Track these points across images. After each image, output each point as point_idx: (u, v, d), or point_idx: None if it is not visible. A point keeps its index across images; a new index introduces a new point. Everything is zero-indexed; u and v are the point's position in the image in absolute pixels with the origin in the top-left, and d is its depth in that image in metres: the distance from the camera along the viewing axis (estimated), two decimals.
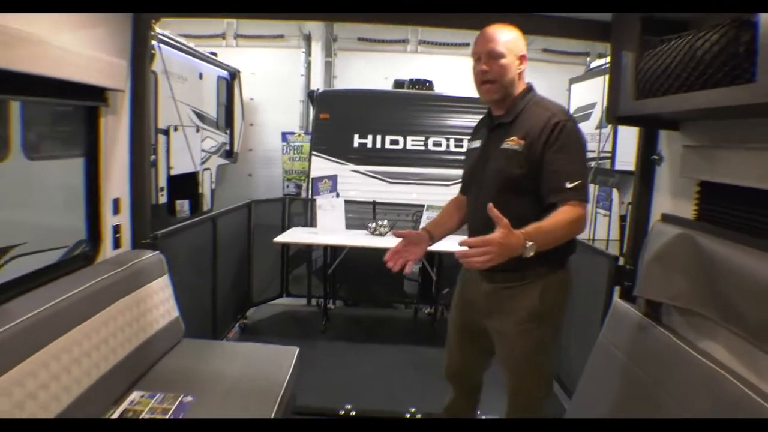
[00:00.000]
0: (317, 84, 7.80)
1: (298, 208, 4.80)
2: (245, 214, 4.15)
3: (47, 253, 3.44)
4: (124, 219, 2.54)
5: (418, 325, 4.72)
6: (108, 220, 2.42)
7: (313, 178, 5.06)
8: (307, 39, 7.98)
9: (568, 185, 1.77)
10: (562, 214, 1.74)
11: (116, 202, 2.47)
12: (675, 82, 1.93)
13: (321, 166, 5.31)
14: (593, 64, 6.37)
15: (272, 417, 2.02)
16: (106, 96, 2.28)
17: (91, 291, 2.00)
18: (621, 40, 2.33)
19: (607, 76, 5.77)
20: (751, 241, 1.73)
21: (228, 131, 8.05)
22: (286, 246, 4.52)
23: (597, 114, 5.74)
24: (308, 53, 7.99)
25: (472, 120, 5.34)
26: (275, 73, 8.58)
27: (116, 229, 2.48)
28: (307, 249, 4.79)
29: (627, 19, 2.26)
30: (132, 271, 2.30)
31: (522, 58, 1.93)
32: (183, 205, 6.43)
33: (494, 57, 1.87)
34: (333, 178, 5.16)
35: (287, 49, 8.34)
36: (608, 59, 2.67)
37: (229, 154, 8.22)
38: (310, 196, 4.99)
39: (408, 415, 2.98)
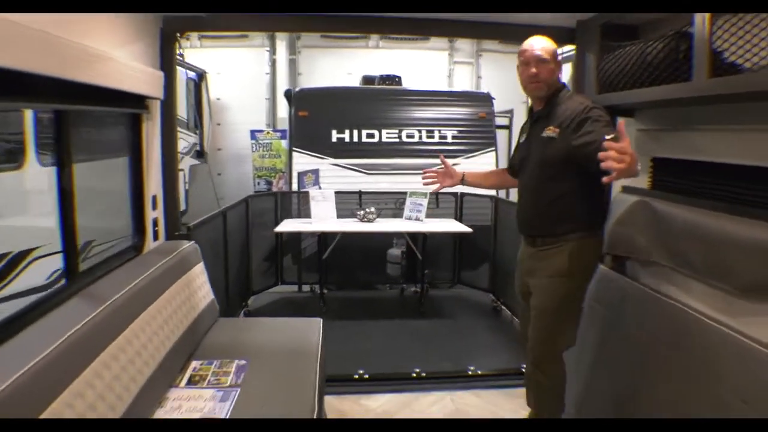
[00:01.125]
0: (282, 82, 8.03)
1: (282, 201, 5.16)
2: (244, 208, 4.48)
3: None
4: (159, 214, 2.86)
5: (406, 302, 5.18)
6: (150, 214, 2.73)
7: (298, 173, 5.39)
8: (272, 38, 8.20)
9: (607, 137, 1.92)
10: None
11: (154, 199, 2.79)
12: (630, 80, 2.41)
13: (302, 161, 5.62)
14: None
15: (317, 375, 2.38)
16: (147, 103, 2.60)
17: (152, 277, 2.30)
18: (584, 44, 2.81)
19: (569, 65, 6.37)
20: (695, 202, 2.22)
21: (198, 132, 8.25)
22: (280, 237, 4.88)
23: None
24: (273, 52, 8.20)
25: (440, 112, 5.85)
26: (241, 73, 8.74)
27: (155, 222, 2.80)
28: (297, 239, 5.15)
29: (589, 26, 2.74)
30: (178, 258, 2.62)
31: (558, 65, 2.38)
32: None
33: (542, 62, 2.31)
34: (315, 172, 5.51)
35: (252, 49, 8.52)
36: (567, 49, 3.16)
37: (200, 154, 8.42)
38: (297, 190, 5.32)
39: (414, 375, 3.40)
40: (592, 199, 2.34)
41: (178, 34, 2.79)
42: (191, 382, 2.28)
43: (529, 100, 2.57)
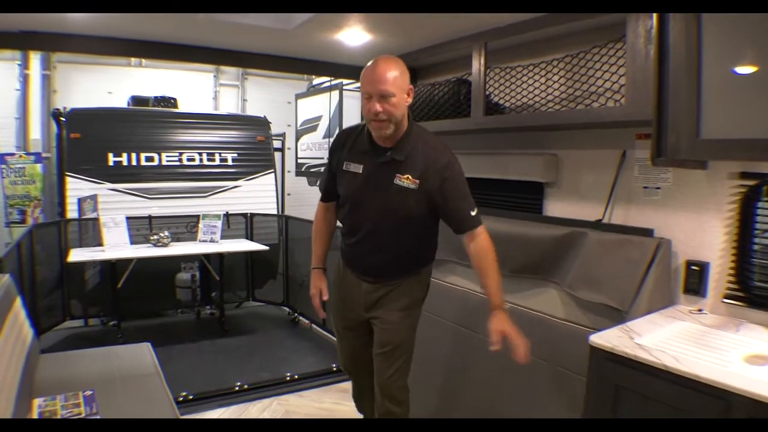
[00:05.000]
0: (36, 100, 7.21)
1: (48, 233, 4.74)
2: (29, 239, 4.04)
3: None
4: None
5: (205, 323, 5.19)
6: None
7: (78, 199, 4.98)
8: (24, 51, 7.31)
9: (472, 213, 2.13)
10: (490, 260, 2.11)
11: None
12: (419, 113, 3.02)
13: (77, 186, 5.20)
14: (315, 82, 7.45)
15: (168, 395, 2.42)
16: None
17: None
18: None
19: (328, 94, 6.96)
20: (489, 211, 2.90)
21: None
22: (63, 269, 4.48)
23: (324, 125, 6.85)
24: (25, 66, 7.32)
25: (219, 135, 5.99)
26: None
27: None
28: (80, 270, 4.77)
29: None
30: (1, 294, 2.36)
31: (409, 92, 2.05)
32: None
33: (386, 96, 1.96)
34: (94, 198, 5.17)
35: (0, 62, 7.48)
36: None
37: None
38: (79, 217, 4.92)
39: (237, 387, 3.54)
40: (435, 236, 2.35)
41: None
42: (43, 418, 2.15)
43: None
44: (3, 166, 6.71)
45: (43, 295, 4.29)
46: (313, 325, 4.86)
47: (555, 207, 2.66)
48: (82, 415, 2.17)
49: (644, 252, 2.11)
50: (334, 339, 4.31)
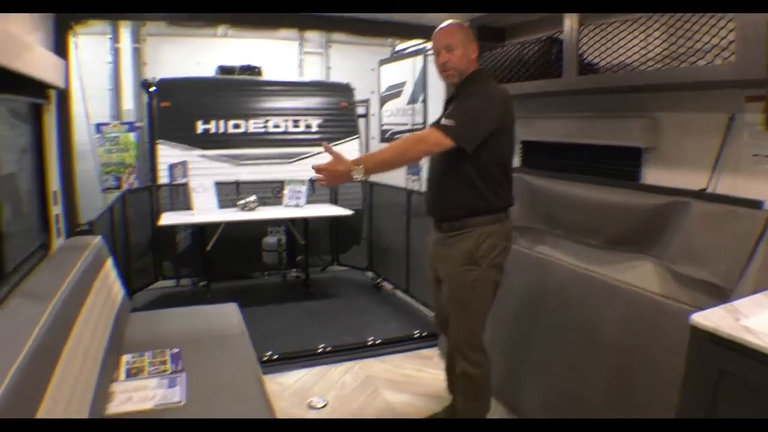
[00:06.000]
0: (127, 72, 7.58)
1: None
2: (121, 203, 4.30)
3: None
4: (59, 210, 2.73)
5: (290, 286, 5.36)
6: (53, 211, 2.61)
7: (170, 165, 5.24)
8: (114, 24, 7.68)
9: (445, 122, 2.09)
10: (405, 137, 2.22)
11: (55, 195, 2.66)
12: (507, 74, 2.87)
13: (168, 153, 5.46)
14: (399, 48, 7.33)
15: (251, 354, 2.51)
16: (48, 93, 2.48)
17: (80, 274, 2.24)
18: None
19: (412, 60, 6.81)
20: (556, 175, 2.75)
21: None
22: (156, 232, 4.75)
23: (408, 91, 6.76)
24: (116, 40, 7.69)
25: (303, 102, 6.04)
26: (80, 61, 8.05)
27: (56, 219, 2.68)
28: (171, 233, 5.04)
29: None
30: (92, 255, 2.54)
31: (473, 49, 2.28)
32: None
33: (449, 49, 2.23)
34: (183, 164, 5.40)
35: (91, 36, 7.91)
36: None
37: None
38: (169, 183, 5.17)
39: (320, 350, 3.62)
40: (493, 183, 2.23)
41: (73, 23, 2.68)
42: (131, 375, 2.29)
43: None
44: (98, 135, 7.10)
45: (137, 256, 4.57)
46: (397, 291, 4.88)
47: (654, 174, 2.45)
48: (168, 372, 2.29)
49: (753, 225, 1.90)
50: (417, 305, 4.36)
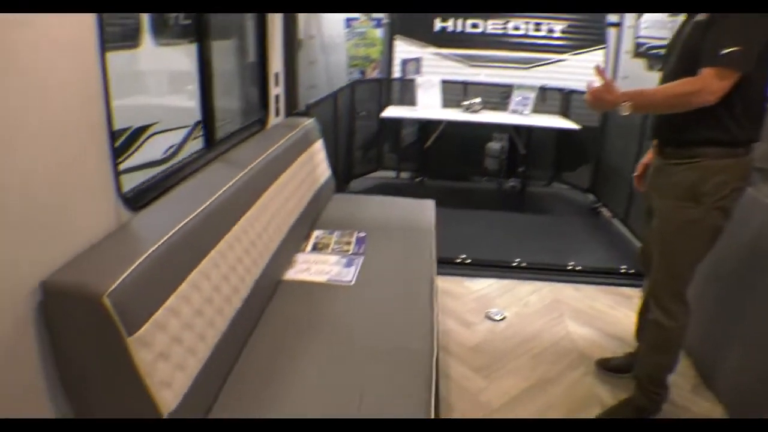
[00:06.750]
0: None
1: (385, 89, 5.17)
2: (349, 93, 4.53)
3: (175, 132, 3.91)
4: (280, 91, 2.95)
5: (505, 195, 5.22)
6: (273, 91, 2.83)
7: (402, 60, 5.33)
8: None
9: (723, 51, 1.64)
10: (680, 82, 1.72)
11: (276, 77, 2.87)
12: None
13: (403, 49, 5.54)
14: None
15: (433, 249, 2.49)
16: None
17: (283, 148, 2.43)
18: None
19: None
20: None
21: None
22: (381, 124, 4.95)
23: None
24: None
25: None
26: None
27: (276, 99, 2.90)
28: (396, 127, 5.21)
29: None
30: (301, 133, 2.74)
31: None
32: None
33: None
34: (418, 60, 5.43)
35: None
36: None
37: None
38: (401, 77, 5.29)
39: (515, 264, 3.48)
40: (737, 110, 1.77)
41: None
42: (316, 249, 2.45)
43: None
44: (347, 29, 7.43)
45: (361, 145, 4.83)
46: (615, 220, 4.40)
47: None
48: (349, 253, 2.39)
49: None
50: (632, 239, 3.87)
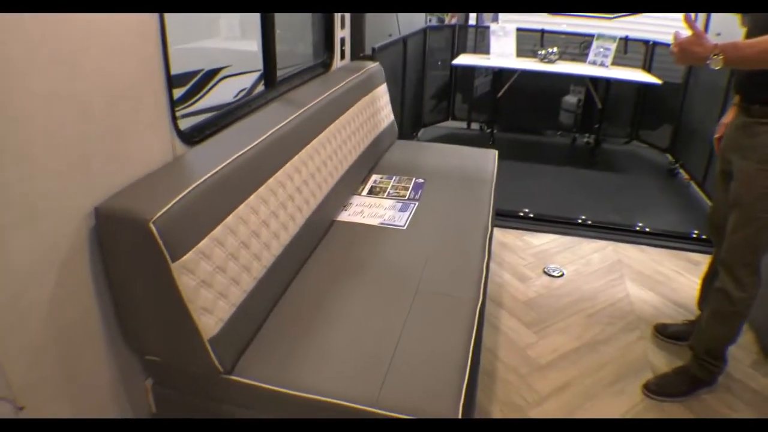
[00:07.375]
0: None
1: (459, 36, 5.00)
2: (421, 39, 4.42)
3: (248, 76, 3.96)
4: (346, 34, 2.92)
5: (577, 151, 5.02)
6: (338, 33, 2.80)
7: None
8: None
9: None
10: None
11: (342, 18, 2.83)
12: None
13: None
14: None
15: (491, 199, 2.44)
16: None
17: (343, 90, 2.41)
18: None
19: None
20: None
21: None
22: (453, 72, 4.82)
23: None
24: None
25: None
26: None
27: (342, 42, 2.87)
28: (469, 76, 5.06)
29: None
30: (364, 77, 2.71)
31: None
32: None
33: None
34: None
35: None
36: None
37: None
38: (476, 24, 5.11)
39: (579, 221, 3.37)
40: None
41: None
42: (372, 192, 2.46)
43: None
44: None
45: (432, 93, 4.73)
46: (692, 182, 4.14)
47: None
48: (405, 198, 2.39)
49: None
50: (708, 203, 3.64)
